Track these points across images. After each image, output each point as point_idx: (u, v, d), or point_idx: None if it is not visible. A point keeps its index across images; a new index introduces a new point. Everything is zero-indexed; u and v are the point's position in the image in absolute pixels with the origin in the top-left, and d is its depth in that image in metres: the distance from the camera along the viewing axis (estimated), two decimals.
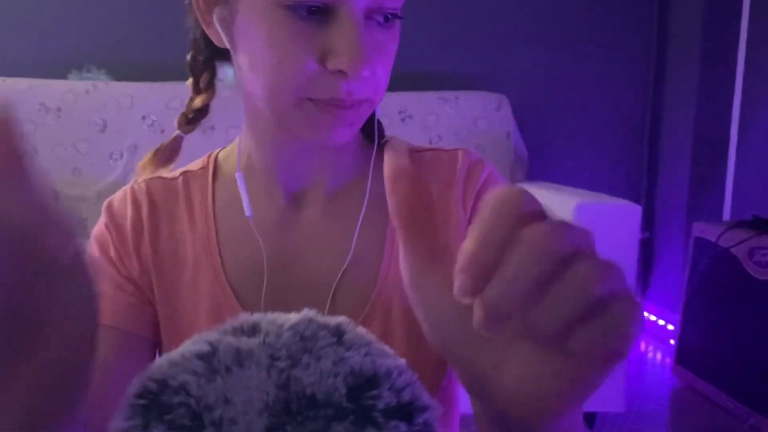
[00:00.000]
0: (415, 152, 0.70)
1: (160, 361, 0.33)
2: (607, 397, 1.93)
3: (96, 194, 2.21)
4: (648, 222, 2.90)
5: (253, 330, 0.34)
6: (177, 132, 0.72)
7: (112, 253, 0.65)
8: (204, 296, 0.64)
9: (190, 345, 0.33)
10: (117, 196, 0.69)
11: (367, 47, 0.54)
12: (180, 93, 2.32)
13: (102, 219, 0.68)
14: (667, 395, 2.36)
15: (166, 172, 0.71)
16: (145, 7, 2.57)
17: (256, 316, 0.35)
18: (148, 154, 0.73)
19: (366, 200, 0.66)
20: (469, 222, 0.66)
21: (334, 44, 0.53)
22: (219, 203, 0.67)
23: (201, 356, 0.32)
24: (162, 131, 2.27)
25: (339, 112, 0.56)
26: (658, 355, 2.70)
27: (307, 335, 0.33)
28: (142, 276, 0.65)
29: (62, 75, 2.42)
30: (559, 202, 1.99)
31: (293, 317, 0.34)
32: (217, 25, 0.60)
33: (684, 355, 2.40)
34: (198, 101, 0.69)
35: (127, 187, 0.69)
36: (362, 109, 0.58)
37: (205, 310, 0.64)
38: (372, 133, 0.69)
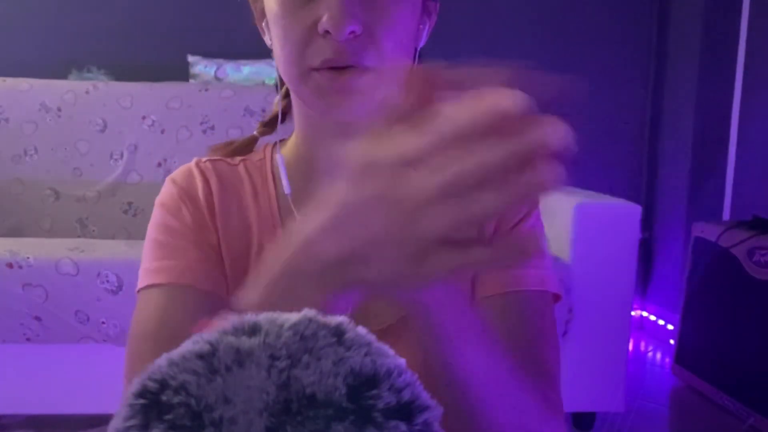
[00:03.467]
0: None
1: (160, 361, 0.33)
2: (607, 396, 1.93)
3: (96, 194, 2.21)
4: (648, 222, 2.90)
5: (253, 330, 0.34)
6: (254, 133, 0.75)
7: (187, 218, 0.65)
8: None
9: (191, 345, 0.33)
10: (180, 171, 0.70)
11: (351, 6, 0.56)
12: (180, 93, 2.32)
13: (170, 189, 0.68)
14: (667, 395, 2.36)
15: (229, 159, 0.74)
16: (145, 7, 2.57)
17: (256, 316, 0.35)
18: (221, 143, 0.75)
19: None
20: (497, 227, 0.68)
21: (321, 9, 0.57)
22: (280, 191, 0.69)
23: (201, 356, 0.32)
24: (162, 131, 2.28)
25: (338, 76, 0.58)
26: (658, 355, 2.70)
27: (307, 335, 0.33)
28: (217, 247, 0.66)
29: (63, 75, 2.42)
30: (559, 202, 1.99)
31: (293, 317, 0.34)
32: (265, 31, 0.65)
33: (684, 355, 2.40)
34: (276, 107, 0.73)
35: (190, 164, 0.70)
36: (366, 77, 0.59)
37: None
38: None
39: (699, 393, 2.31)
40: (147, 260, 0.64)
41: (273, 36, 0.62)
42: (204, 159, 0.71)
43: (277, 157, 0.70)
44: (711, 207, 2.67)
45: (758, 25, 2.51)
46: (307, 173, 0.69)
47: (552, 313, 0.68)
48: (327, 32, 0.56)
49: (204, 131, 2.29)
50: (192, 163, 0.70)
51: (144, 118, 2.28)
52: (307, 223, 0.39)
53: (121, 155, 2.24)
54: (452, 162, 0.33)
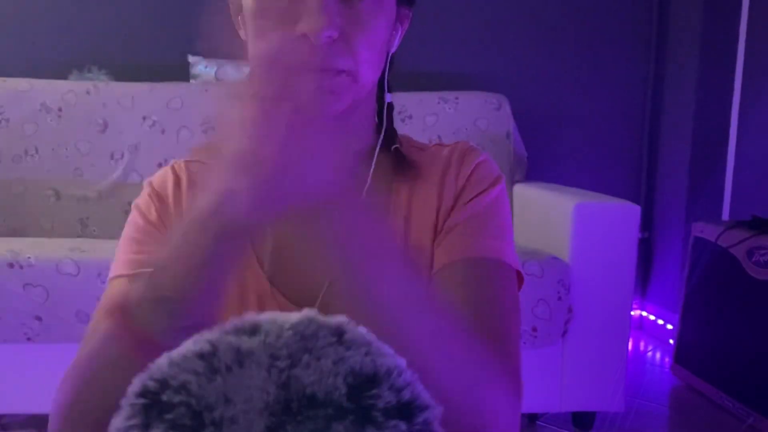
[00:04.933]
0: (420, 149, 0.74)
1: (161, 360, 0.33)
2: (607, 396, 1.93)
3: (97, 194, 2.21)
4: (647, 222, 2.90)
5: (254, 330, 0.34)
6: None
7: (153, 216, 0.69)
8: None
9: (191, 345, 0.33)
10: (157, 174, 0.74)
11: (330, 13, 0.58)
12: (181, 93, 2.32)
13: (144, 191, 0.72)
14: (667, 395, 2.36)
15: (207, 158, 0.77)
16: (145, 7, 2.57)
17: (257, 316, 0.35)
18: (205, 144, 0.78)
19: (367, 184, 0.69)
20: (454, 203, 0.69)
21: (301, 12, 0.59)
22: None
23: (201, 356, 0.32)
24: (162, 131, 2.28)
25: (314, 76, 0.60)
26: (658, 355, 2.70)
27: (307, 335, 0.33)
28: None
29: (63, 75, 2.42)
30: (559, 202, 1.99)
31: (294, 317, 0.35)
32: (241, 26, 0.67)
33: (683, 355, 2.40)
34: None
35: (167, 167, 0.74)
36: (341, 79, 0.61)
37: (233, 284, 0.67)
38: (388, 141, 0.73)
39: (698, 393, 2.31)
40: (117, 254, 0.69)
41: (248, 32, 0.64)
42: (181, 160, 0.75)
43: None
44: (710, 207, 2.67)
45: (758, 25, 2.51)
46: None
47: (512, 286, 0.67)
48: (304, 35, 0.58)
49: (205, 131, 2.29)
50: (168, 166, 0.74)
51: (145, 118, 2.28)
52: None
53: (122, 155, 2.25)
54: None
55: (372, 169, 0.70)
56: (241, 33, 0.68)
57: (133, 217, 0.71)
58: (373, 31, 0.62)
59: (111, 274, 0.68)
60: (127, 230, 0.70)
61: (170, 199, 0.71)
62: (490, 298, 0.65)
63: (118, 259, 0.68)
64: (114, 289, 0.66)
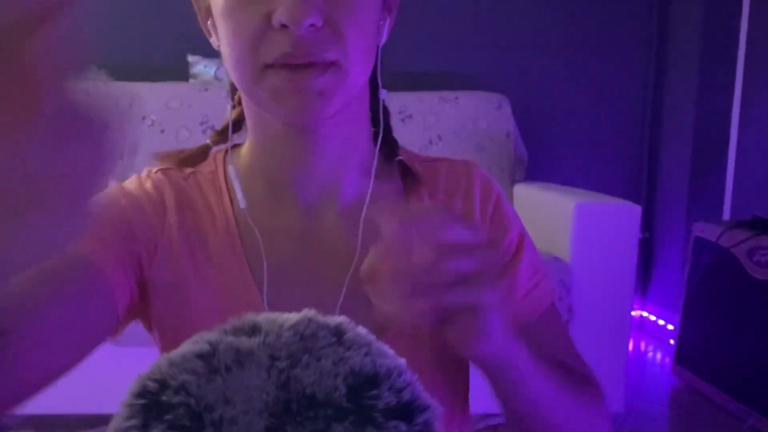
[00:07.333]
0: (427, 162, 0.69)
1: (160, 361, 0.33)
2: (607, 396, 1.93)
3: None
4: (648, 222, 2.90)
5: (253, 330, 0.34)
6: (207, 141, 0.69)
7: (120, 213, 0.61)
8: (229, 295, 0.61)
9: (190, 345, 0.33)
10: (128, 181, 0.65)
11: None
12: (180, 93, 2.32)
13: (124, 189, 0.64)
14: (667, 395, 2.36)
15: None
16: (145, 7, 2.57)
17: (256, 316, 0.35)
18: (169, 152, 0.69)
19: (367, 200, 0.64)
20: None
21: (277, 1, 0.52)
22: (235, 204, 0.64)
23: (201, 356, 0.32)
24: (162, 131, 2.27)
25: (296, 75, 0.53)
26: (658, 355, 2.70)
27: (307, 335, 0.33)
28: (146, 251, 0.60)
29: None
30: (559, 202, 1.99)
31: (293, 317, 0.34)
32: (211, 32, 0.61)
33: (684, 355, 2.40)
34: (232, 114, 0.67)
35: (140, 174, 0.66)
36: (328, 75, 0.54)
37: (227, 309, 0.62)
38: (387, 150, 0.67)
39: (699, 393, 2.31)
40: None
41: (221, 35, 0.57)
42: (155, 169, 0.66)
43: (230, 168, 0.64)
44: (711, 207, 2.67)
45: (758, 25, 2.51)
46: (263, 185, 0.64)
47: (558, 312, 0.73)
48: (283, 25, 0.51)
49: (204, 131, 2.29)
50: (142, 173, 0.66)
51: (144, 118, 2.28)
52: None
53: (121, 155, 2.24)
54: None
55: (372, 184, 0.64)
56: (213, 41, 0.61)
57: (113, 197, 0.62)
58: (361, 15, 0.55)
59: None
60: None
61: (145, 204, 0.62)
62: (567, 342, 0.70)
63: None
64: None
